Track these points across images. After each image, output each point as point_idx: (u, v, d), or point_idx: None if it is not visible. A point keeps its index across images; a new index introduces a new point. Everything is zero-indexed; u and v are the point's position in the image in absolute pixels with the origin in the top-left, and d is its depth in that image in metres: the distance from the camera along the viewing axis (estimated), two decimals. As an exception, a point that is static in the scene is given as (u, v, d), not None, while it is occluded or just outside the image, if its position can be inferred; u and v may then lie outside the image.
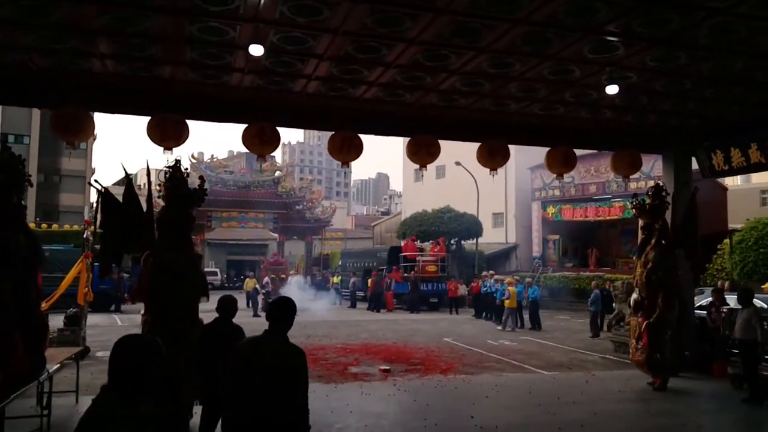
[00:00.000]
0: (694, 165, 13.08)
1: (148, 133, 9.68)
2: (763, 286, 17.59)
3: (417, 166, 11.80)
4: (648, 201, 11.55)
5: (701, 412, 9.08)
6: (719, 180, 23.62)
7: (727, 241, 12.76)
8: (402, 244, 33.62)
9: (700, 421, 8.48)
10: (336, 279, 34.99)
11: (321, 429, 7.59)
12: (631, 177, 12.94)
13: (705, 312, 12.79)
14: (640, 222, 11.82)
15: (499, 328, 21.01)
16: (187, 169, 8.51)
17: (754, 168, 11.60)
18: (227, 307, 6.35)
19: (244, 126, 10.44)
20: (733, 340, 11.02)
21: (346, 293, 33.42)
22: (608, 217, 33.09)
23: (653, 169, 26.82)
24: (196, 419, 7.24)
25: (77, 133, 9.58)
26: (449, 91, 10.03)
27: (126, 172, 8.83)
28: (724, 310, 11.89)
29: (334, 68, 9.04)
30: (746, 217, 26.57)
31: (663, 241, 11.15)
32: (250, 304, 25.33)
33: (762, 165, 11.30)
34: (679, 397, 10.08)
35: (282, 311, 4.29)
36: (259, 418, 3.97)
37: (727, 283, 14.89)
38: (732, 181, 32.36)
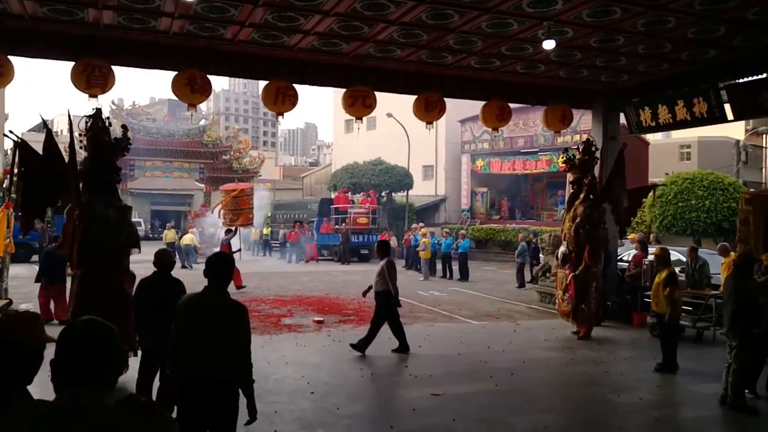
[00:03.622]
0: (622, 120, 13.47)
1: (72, 80, 9.17)
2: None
3: (347, 117, 11.71)
4: (578, 156, 11.82)
5: (623, 360, 9.54)
6: (641, 135, 24.49)
7: (651, 194, 13.30)
8: (333, 195, 33.46)
9: (622, 369, 8.92)
10: (266, 230, 34.55)
11: (258, 380, 7.44)
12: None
13: (626, 264, 13.40)
14: (570, 176, 12.11)
15: (421, 278, 21.46)
16: (108, 117, 8.13)
17: (680, 125, 12.02)
18: (164, 260, 6.21)
19: (168, 72, 10.05)
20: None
21: (275, 245, 33.18)
22: (535, 171, 33.92)
23: (579, 123, 27.52)
24: (131, 373, 7.08)
25: (-5, 78, 8.94)
26: (387, 42, 9.86)
27: (45, 123, 8.31)
28: (646, 262, 12.46)
29: (269, 15, 8.71)
30: (665, 171, 27.87)
31: (591, 196, 11.49)
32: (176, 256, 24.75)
33: (687, 122, 11.72)
34: (602, 346, 10.57)
35: (220, 267, 4.22)
36: (203, 375, 3.98)
37: (651, 236, 15.60)
38: (653, 137, 33.61)
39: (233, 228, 19.07)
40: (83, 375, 1.85)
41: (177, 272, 6.41)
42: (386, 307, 9.63)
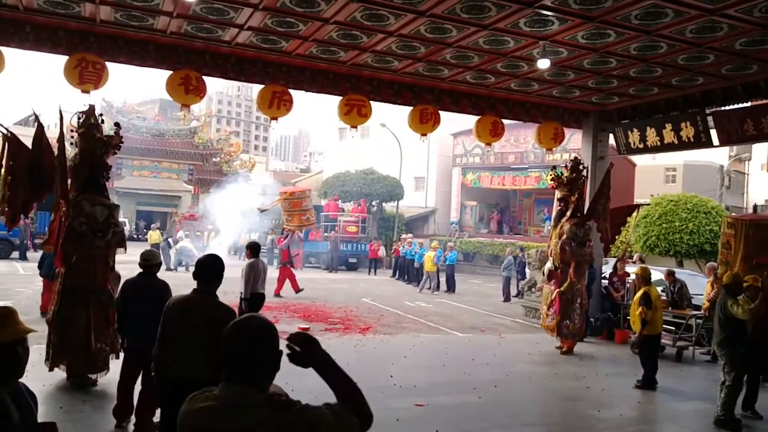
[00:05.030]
0: (611, 141, 13.65)
1: (65, 75, 9.12)
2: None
3: (341, 125, 11.81)
4: (565, 174, 11.97)
5: (604, 376, 9.63)
6: (629, 157, 24.78)
7: (635, 214, 13.50)
8: (323, 203, 33.47)
9: (603, 384, 9.01)
10: (253, 235, 34.43)
11: (242, 386, 7.55)
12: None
13: (607, 282, 13.54)
14: (557, 194, 12.26)
15: (417, 289, 21.55)
16: (101, 114, 8.12)
17: (668, 148, 12.20)
18: (150, 261, 6.19)
19: (161, 71, 10.06)
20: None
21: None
22: (524, 187, 34.13)
23: (569, 142, 27.75)
24: (112, 375, 7.07)
25: (-15, 68, 8.90)
26: (385, 52, 9.95)
27: (37, 118, 8.27)
28: (629, 282, 12.61)
29: (269, 19, 8.75)
30: (651, 193, 28.13)
31: (578, 214, 11.63)
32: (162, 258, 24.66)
33: (674, 145, 11.93)
34: (584, 361, 10.68)
35: (210, 269, 4.24)
36: (188, 376, 3.95)
37: (636, 256, 15.77)
38: (639, 158, 33.97)
39: (290, 232, 19.56)
40: (239, 373, 2.01)
41: (162, 274, 6.40)
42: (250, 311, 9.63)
